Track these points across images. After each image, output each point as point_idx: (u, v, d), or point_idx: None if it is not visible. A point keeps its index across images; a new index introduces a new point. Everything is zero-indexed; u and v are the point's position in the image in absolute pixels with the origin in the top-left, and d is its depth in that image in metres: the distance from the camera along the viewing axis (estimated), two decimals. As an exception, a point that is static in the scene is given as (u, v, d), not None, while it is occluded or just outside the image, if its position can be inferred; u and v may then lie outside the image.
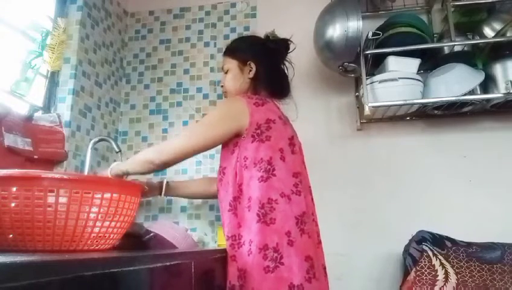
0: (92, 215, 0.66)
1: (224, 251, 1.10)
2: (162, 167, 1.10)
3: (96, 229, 0.68)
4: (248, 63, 1.25)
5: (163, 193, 1.38)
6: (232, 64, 1.27)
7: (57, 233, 0.63)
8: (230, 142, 1.13)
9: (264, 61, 1.26)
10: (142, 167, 1.11)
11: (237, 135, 1.10)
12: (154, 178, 1.74)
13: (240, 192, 1.06)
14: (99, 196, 0.66)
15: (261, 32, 1.57)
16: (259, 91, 1.25)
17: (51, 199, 0.62)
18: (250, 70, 1.25)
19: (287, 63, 1.38)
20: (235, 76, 1.26)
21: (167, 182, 1.41)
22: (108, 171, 1.16)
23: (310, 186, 1.25)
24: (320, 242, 1.19)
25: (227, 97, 1.32)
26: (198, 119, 1.94)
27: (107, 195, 0.68)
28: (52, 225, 0.62)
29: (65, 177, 0.66)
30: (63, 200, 0.63)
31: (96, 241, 0.69)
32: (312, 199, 1.23)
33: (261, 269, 0.97)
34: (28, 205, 0.61)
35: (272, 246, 0.98)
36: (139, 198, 0.80)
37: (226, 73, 1.29)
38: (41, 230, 0.62)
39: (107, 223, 0.69)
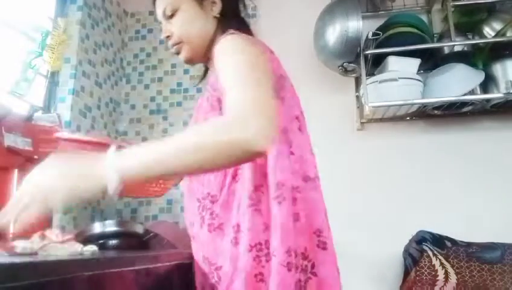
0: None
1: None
2: (264, 153, 0.59)
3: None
4: None
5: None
6: (181, 0, 0.85)
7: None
8: None
9: None
10: (223, 159, 0.58)
11: None
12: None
13: (263, 177, 0.72)
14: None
15: (261, 32, 1.54)
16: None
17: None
18: (213, 5, 0.87)
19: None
20: (195, 16, 0.85)
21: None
22: (112, 175, 0.55)
23: None
24: None
25: (179, 53, 0.88)
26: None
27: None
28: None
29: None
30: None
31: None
32: None
33: (293, 286, 0.68)
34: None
35: (300, 252, 0.70)
36: None
37: (170, 17, 0.86)
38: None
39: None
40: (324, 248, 0.73)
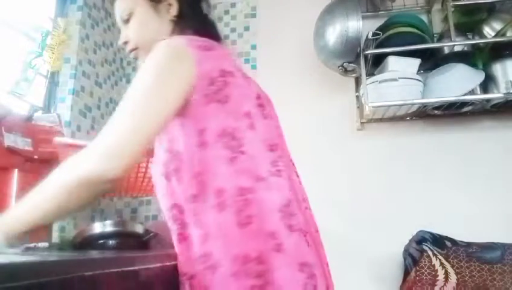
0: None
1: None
2: (121, 179, 0.66)
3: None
4: None
5: None
6: (136, 4, 0.85)
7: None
8: None
9: None
10: (77, 196, 0.65)
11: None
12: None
13: (202, 186, 0.70)
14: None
15: (261, 32, 1.55)
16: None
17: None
18: (169, 7, 0.86)
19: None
20: (149, 19, 0.85)
21: None
22: None
23: (292, 161, 0.88)
24: (317, 232, 0.90)
25: (138, 58, 0.88)
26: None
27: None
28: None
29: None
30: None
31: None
32: (299, 179, 0.88)
33: None
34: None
35: (254, 256, 0.66)
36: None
37: (126, 22, 0.86)
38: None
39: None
40: (279, 250, 0.68)
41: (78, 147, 1.33)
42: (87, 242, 0.96)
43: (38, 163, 1.42)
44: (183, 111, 0.72)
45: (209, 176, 0.70)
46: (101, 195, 0.70)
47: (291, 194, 0.75)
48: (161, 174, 0.76)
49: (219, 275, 0.66)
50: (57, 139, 1.38)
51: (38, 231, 0.69)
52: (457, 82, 1.56)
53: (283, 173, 0.76)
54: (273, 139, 0.78)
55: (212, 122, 0.72)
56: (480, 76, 1.57)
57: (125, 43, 0.87)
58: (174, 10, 0.85)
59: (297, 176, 0.88)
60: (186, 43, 0.73)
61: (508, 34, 1.58)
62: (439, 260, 1.46)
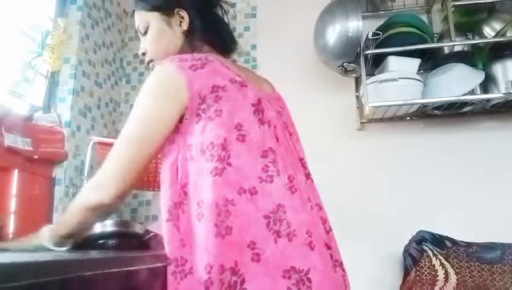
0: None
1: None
2: (116, 202, 0.75)
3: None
4: (176, 11, 0.90)
5: None
6: (151, 18, 0.90)
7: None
8: None
9: (196, 5, 0.92)
10: (87, 217, 0.77)
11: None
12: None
13: (184, 195, 0.76)
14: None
15: (261, 32, 1.54)
16: (198, 48, 0.90)
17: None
18: (181, 21, 0.90)
19: (222, 7, 0.99)
20: (162, 33, 0.90)
21: None
22: (45, 239, 0.80)
23: (301, 161, 0.90)
24: (330, 231, 0.91)
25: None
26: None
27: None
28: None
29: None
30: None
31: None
32: (308, 178, 0.90)
33: None
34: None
35: (229, 267, 0.68)
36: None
37: (144, 34, 0.93)
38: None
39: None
40: (258, 260, 0.69)
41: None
42: (87, 242, 0.96)
43: (38, 163, 1.42)
44: (176, 129, 0.79)
45: (190, 188, 0.76)
46: (106, 214, 0.82)
47: (285, 198, 0.76)
48: (162, 177, 0.83)
49: (188, 281, 0.70)
50: (95, 138, 1.44)
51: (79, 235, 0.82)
52: (457, 82, 1.56)
53: (275, 178, 0.76)
54: (266, 144, 0.79)
55: (199, 138, 0.76)
56: (480, 76, 1.57)
57: (144, 54, 0.93)
58: (185, 24, 0.90)
59: (306, 175, 0.88)
60: (178, 66, 0.77)
61: (508, 34, 1.58)
62: (439, 260, 1.46)
